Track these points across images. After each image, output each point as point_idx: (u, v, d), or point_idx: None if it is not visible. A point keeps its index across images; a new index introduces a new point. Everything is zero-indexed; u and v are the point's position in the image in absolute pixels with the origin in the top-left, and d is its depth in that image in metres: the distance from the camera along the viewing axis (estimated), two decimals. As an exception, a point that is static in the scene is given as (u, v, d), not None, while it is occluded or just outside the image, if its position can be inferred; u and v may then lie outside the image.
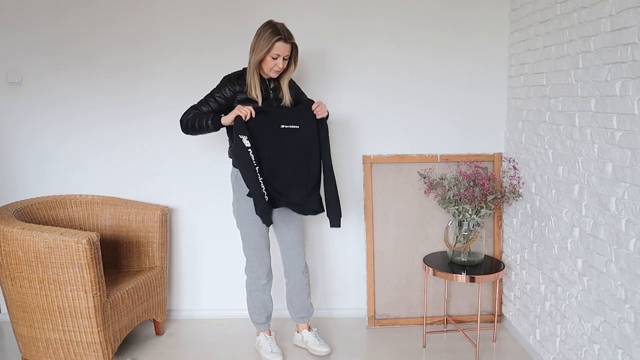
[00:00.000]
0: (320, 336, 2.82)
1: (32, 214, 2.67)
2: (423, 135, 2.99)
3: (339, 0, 2.86)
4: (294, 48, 2.37)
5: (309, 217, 2.96)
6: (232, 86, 2.40)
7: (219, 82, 2.45)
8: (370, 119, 2.97)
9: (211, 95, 2.43)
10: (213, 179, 3.00)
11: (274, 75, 2.39)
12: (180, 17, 2.87)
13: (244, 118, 2.29)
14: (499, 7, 2.87)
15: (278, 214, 2.54)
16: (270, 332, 2.72)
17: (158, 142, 2.98)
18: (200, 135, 2.62)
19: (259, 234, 2.52)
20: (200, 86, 2.90)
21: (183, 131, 2.41)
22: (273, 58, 2.32)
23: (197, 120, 2.34)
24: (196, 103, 2.45)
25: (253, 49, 2.35)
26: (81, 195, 2.92)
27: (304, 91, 2.67)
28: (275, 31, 2.30)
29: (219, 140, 2.94)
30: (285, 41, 2.30)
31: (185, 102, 2.90)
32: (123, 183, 3.00)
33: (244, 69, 2.45)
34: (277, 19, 2.37)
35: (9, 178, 3.01)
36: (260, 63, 2.36)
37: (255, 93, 2.38)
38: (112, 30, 2.88)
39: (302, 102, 2.60)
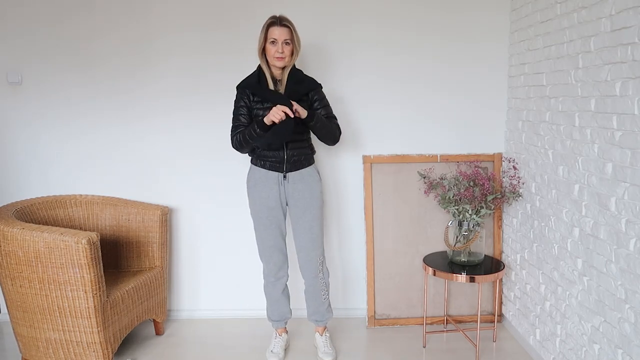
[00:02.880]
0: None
1: (32, 214, 2.67)
2: (423, 135, 2.98)
3: (336, 2, 2.87)
4: (293, 34, 2.37)
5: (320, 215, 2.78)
6: (244, 94, 2.44)
7: (236, 94, 2.48)
8: (371, 119, 2.97)
9: (236, 109, 2.47)
10: (213, 179, 3.00)
11: (279, 63, 2.38)
12: (181, 19, 2.87)
13: (277, 122, 2.28)
14: (499, 7, 2.87)
15: (292, 216, 2.55)
16: (281, 332, 2.72)
17: (158, 143, 2.98)
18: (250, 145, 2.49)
19: (266, 231, 2.54)
20: (200, 88, 2.92)
21: (239, 151, 2.48)
22: (272, 44, 2.35)
23: (245, 134, 2.38)
24: (232, 124, 2.47)
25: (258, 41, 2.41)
26: (81, 195, 2.92)
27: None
28: (270, 17, 2.38)
29: (219, 141, 2.94)
30: (279, 24, 2.34)
31: (185, 104, 2.93)
32: (123, 183, 3.00)
33: (251, 74, 2.46)
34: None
35: (9, 178, 3.01)
36: (265, 54, 2.40)
37: (272, 86, 2.40)
38: (112, 32, 2.87)
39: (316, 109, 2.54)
